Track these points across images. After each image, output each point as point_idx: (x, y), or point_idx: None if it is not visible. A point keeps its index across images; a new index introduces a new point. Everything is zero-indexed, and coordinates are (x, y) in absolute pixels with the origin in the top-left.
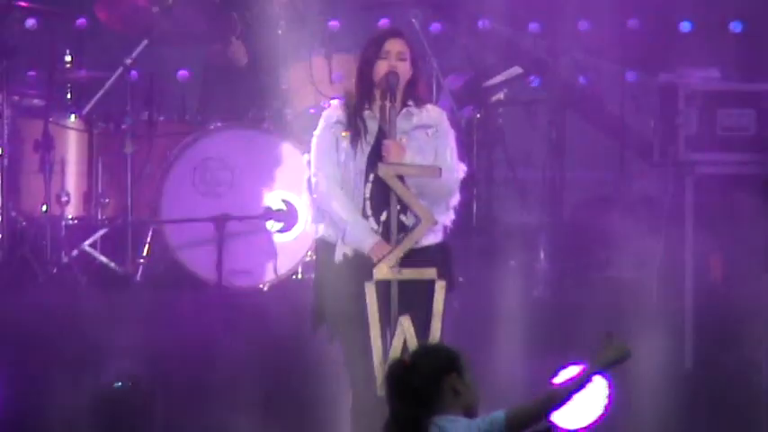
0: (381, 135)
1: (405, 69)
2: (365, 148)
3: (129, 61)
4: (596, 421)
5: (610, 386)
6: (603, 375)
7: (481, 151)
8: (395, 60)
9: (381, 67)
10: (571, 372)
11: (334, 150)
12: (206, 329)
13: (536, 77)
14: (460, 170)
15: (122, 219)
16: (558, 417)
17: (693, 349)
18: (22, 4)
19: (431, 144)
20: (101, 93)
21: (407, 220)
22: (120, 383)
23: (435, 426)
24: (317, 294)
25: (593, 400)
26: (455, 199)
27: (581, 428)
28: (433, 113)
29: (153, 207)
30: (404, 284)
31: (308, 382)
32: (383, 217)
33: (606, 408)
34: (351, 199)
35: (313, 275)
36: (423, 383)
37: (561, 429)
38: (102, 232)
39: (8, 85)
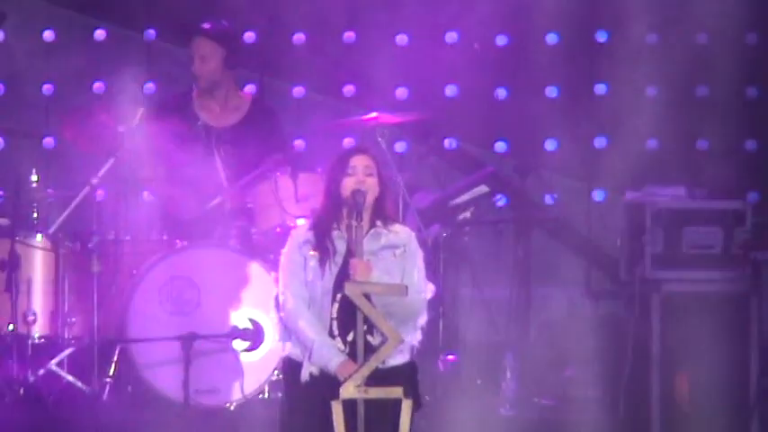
0: (349, 255)
1: (372, 184)
2: (333, 268)
3: (95, 180)
4: None
5: None
6: None
7: (447, 270)
8: (362, 176)
9: (348, 184)
10: None
11: (302, 270)
12: None
13: (502, 196)
14: (428, 290)
15: (89, 338)
16: None
17: None
18: None
19: (398, 264)
20: (67, 212)
21: (374, 339)
22: None
23: None
24: (283, 413)
25: None
26: (422, 319)
27: None
28: (401, 234)
29: (120, 326)
30: (370, 403)
31: None
32: (350, 337)
33: None
34: (318, 318)
35: (280, 394)
36: None
37: None
38: (68, 351)
39: None
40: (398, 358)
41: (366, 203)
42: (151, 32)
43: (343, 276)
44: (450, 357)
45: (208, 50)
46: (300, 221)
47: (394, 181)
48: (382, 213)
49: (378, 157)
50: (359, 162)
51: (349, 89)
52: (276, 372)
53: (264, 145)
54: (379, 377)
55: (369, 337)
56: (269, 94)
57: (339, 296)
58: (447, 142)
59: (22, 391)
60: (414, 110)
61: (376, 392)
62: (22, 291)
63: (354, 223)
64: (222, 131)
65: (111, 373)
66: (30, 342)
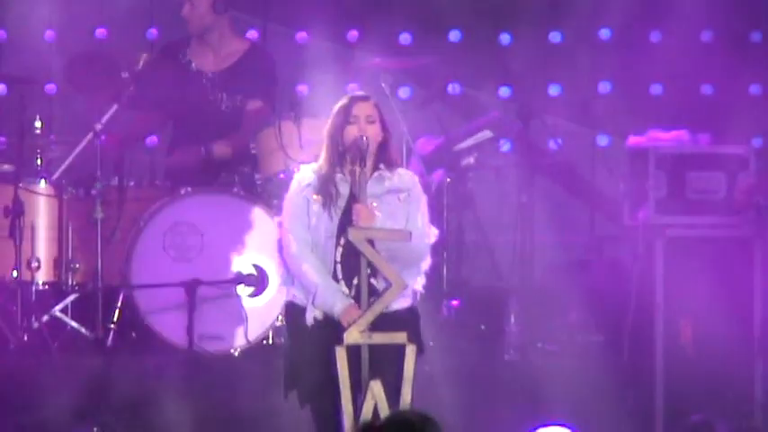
0: (353, 199)
1: (375, 132)
2: (336, 211)
3: (98, 126)
4: None
5: None
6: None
7: (451, 215)
8: (364, 124)
9: (351, 132)
10: None
11: (306, 214)
12: (177, 395)
13: (506, 141)
14: (432, 235)
15: (93, 284)
16: None
17: (664, 413)
18: None
19: (402, 208)
20: (70, 158)
21: (378, 284)
22: None
23: None
24: (287, 359)
25: None
26: (426, 263)
27: None
28: (405, 178)
29: (123, 272)
30: (374, 349)
31: None
32: (354, 281)
33: None
34: (322, 262)
35: (284, 340)
36: None
37: None
38: (72, 298)
39: None
40: (402, 303)
41: (369, 150)
42: None
43: (346, 220)
44: (454, 302)
45: None
46: (304, 167)
47: (397, 126)
48: (386, 158)
49: (380, 104)
50: (361, 110)
51: (353, 34)
52: (280, 317)
53: (254, 91)
54: (383, 322)
55: (373, 281)
56: (272, 40)
57: (343, 240)
58: (451, 87)
59: (26, 337)
60: (417, 55)
61: (380, 338)
62: (25, 237)
63: (358, 168)
64: (213, 76)
65: (114, 319)
66: (33, 288)
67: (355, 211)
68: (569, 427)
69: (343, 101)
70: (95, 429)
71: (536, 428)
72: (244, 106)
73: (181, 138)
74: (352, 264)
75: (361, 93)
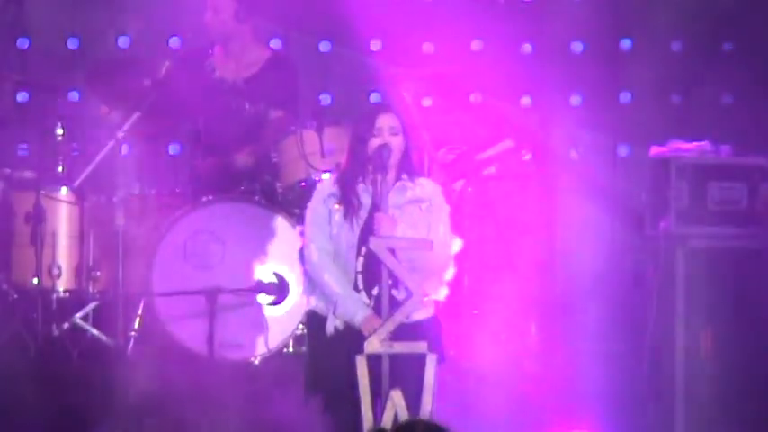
0: (374, 209)
1: (398, 143)
2: (358, 221)
3: (120, 134)
4: None
5: None
6: None
7: (472, 225)
8: (388, 136)
9: (375, 144)
10: None
11: (327, 223)
12: (197, 402)
13: (528, 151)
14: (455, 245)
15: (113, 291)
16: None
17: (684, 424)
18: (14, 76)
19: (424, 219)
20: (92, 165)
21: (399, 294)
22: None
23: None
24: (308, 367)
25: None
26: (448, 273)
27: None
28: (427, 188)
29: (144, 280)
30: (395, 358)
31: None
32: (375, 291)
33: None
34: (343, 272)
35: (304, 348)
36: None
37: None
38: (93, 305)
39: None
40: (423, 313)
41: (391, 160)
42: None
43: (368, 230)
44: (476, 312)
45: (219, 2)
46: (326, 176)
47: (420, 136)
48: (408, 168)
49: (402, 114)
50: (384, 122)
51: (375, 44)
52: (301, 326)
53: (275, 100)
54: (404, 332)
55: (394, 292)
56: (295, 49)
57: (364, 250)
58: (472, 97)
59: (46, 344)
60: (440, 64)
61: (401, 347)
62: (46, 244)
63: (380, 177)
64: (236, 84)
65: (135, 326)
66: (54, 296)
67: (377, 221)
68: None
69: (365, 112)
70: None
71: None
72: (266, 115)
73: (204, 145)
74: (373, 274)
75: (384, 104)
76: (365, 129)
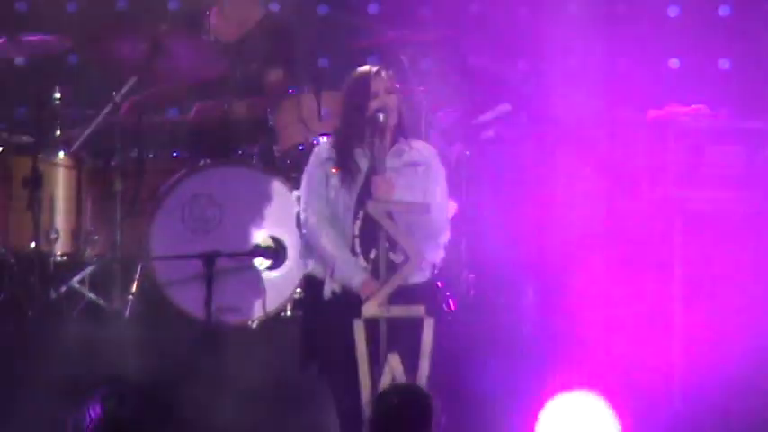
0: (371, 172)
1: (394, 102)
2: (355, 185)
3: (118, 98)
4: None
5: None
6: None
7: (470, 189)
8: (384, 96)
9: (371, 107)
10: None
11: (324, 187)
12: (194, 366)
13: (525, 115)
14: (450, 208)
15: (111, 255)
16: None
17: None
18: (11, 39)
19: (420, 182)
20: (90, 129)
21: (396, 257)
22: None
23: None
24: (305, 331)
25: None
26: (445, 237)
27: None
28: (424, 151)
29: (142, 244)
30: (392, 322)
31: (297, 418)
32: (372, 255)
33: None
34: (340, 236)
35: (301, 312)
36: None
37: None
38: (90, 269)
39: None
40: (420, 276)
41: (388, 123)
42: None
43: (365, 194)
44: (472, 276)
45: None
46: (323, 139)
47: (417, 99)
48: (404, 131)
49: (395, 75)
50: (379, 84)
51: (373, 6)
52: (298, 290)
53: (270, 59)
54: (401, 295)
55: (391, 255)
56: (293, 12)
57: (361, 214)
58: (470, 60)
59: (44, 308)
60: (437, 28)
61: (398, 311)
62: (44, 209)
63: (377, 141)
64: (230, 45)
65: (132, 290)
66: (52, 260)
67: (374, 184)
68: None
69: (359, 74)
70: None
71: (558, 395)
72: (261, 75)
73: (197, 102)
74: (370, 237)
75: (376, 66)
76: (361, 94)
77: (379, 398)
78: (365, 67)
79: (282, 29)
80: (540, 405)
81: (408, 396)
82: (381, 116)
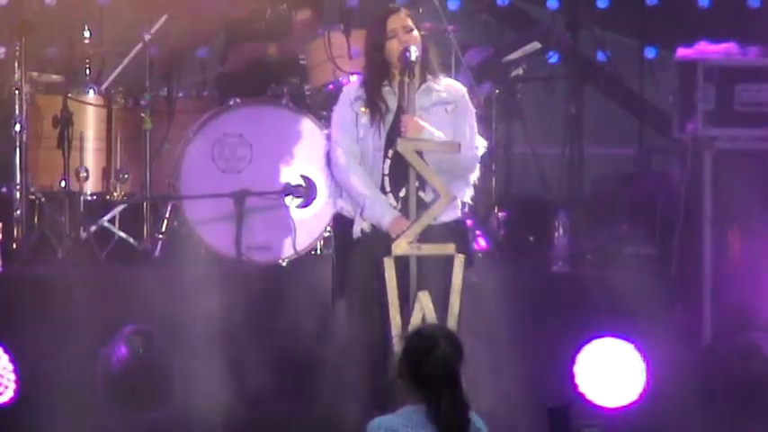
0: (400, 111)
1: (415, 40)
2: (384, 124)
3: (148, 37)
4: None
5: (646, 363)
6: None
7: (499, 127)
8: (404, 35)
9: (392, 46)
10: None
11: (354, 126)
12: (225, 304)
13: (555, 53)
14: (480, 146)
15: (141, 194)
16: (595, 394)
17: (712, 324)
18: None
19: (450, 120)
20: (119, 68)
21: (426, 196)
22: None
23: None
24: (335, 270)
25: (630, 376)
26: (474, 175)
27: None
28: (452, 89)
29: (172, 183)
30: (422, 260)
31: (328, 355)
32: (402, 193)
33: (646, 386)
34: (370, 175)
35: (331, 251)
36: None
37: (594, 405)
38: (120, 208)
39: (26, 61)
40: (450, 214)
41: (417, 59)
42: None
43: (394, 133)
44: (502, 214)
45: None
46: (353, 78)
47: (446, 38)
48: (432, 68)
49: (419, 14)
50: (396, 23)
51: None
52: (328, 228)
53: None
54: (431, 234)
55: (421, 194)
56: None
57: (391, 152)
58: None
59: (74, 246)
60: None
61: (428, 249)
62: (74, 147)
63: (406, 79)
64: None
65: (163, 229)
66: (82, 198)
67: (403, 123)
68: (624, 338)
69: (378, 14)
70: (136, 340)
71: (591, 339)
72: (290, 15)
73: (231, 47)
74: (399, 176)
75: (397, 5)
76: (378, 33)
77: (412, 335)
78: (385, 7)
79: None
80: (573, 348)
81: (444, 333)
82: (408, 55)
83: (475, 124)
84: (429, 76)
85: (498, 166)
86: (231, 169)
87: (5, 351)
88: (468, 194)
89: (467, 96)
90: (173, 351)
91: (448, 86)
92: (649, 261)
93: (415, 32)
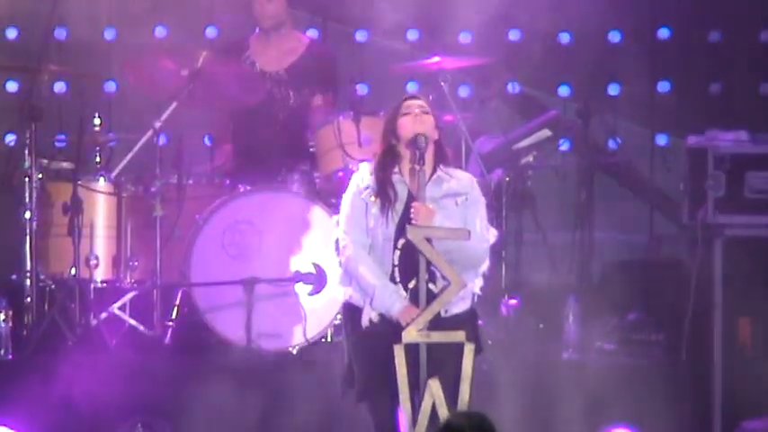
0: (411, 200)
1: (429, 122)
2: (394, 215)
3: (157, 124)
4: None
5: None
6: None
7: (510, 214)
8: (418, 113)
9: (405, 123)
10: None
11: (363, 216)
12: (235, 392)
13: (565, 140)
14: (491, 236)
15: (151, 282)
16: None
17: (722, 413)
18: (52, 67)
19: (460, 212)
20: (129, 156)
21: (436, 287)
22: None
23: None
24: (345, 358)
25: None
26: (484, 266)
27: None
28: (463, 181)
29: (182, 270)
30: (432, 348)
31: None
32: (411, 284)
33: None
34: (379, 264)
35: (341, 339)
36: None
37: None
38: (130, 295)
39: (37, 148)
40: (460, 306)
41: (427, 146)
42: None
43: (404, 223)
44: (513, 302)
45: None
46: (363, 165)
47: (456, 125)
48: (444, 158)
49: (437, 103)
50: (412, 103)
51: (412, 33)
52: (338, 316)
53: (318, 86)
54: (441, 325)
55: (430, 286)
56: (332, 39)
57: (401, 243)
58: (510, 86)
59: (84, 334)
60: (477, 54)
61: (438, 336)
62: (84, 235)
63: (417, 167)
64: (278, 75)
65: (173, 317)
66: (92, 286)
67: (415, 209)
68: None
69: (397, 102)
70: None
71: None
72: (310, 101)
73: (240, 135)
74: (409, 267)
75: (411, 93)
76: (394, 112)
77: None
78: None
79: (327, 53)
80: None
81: (476, 420)
82: (421, 140)
83: (485, 215)
84: (440, 166)
85: (508, 252)
86: (241, 256)
87: None
88: (478, 285)
89: (477, 187)
90: None
91: (458, 178)
92: (660, 348)
93: (430, 116)
